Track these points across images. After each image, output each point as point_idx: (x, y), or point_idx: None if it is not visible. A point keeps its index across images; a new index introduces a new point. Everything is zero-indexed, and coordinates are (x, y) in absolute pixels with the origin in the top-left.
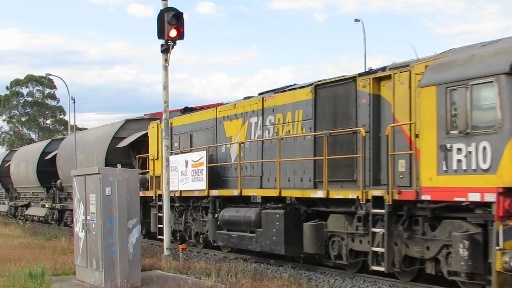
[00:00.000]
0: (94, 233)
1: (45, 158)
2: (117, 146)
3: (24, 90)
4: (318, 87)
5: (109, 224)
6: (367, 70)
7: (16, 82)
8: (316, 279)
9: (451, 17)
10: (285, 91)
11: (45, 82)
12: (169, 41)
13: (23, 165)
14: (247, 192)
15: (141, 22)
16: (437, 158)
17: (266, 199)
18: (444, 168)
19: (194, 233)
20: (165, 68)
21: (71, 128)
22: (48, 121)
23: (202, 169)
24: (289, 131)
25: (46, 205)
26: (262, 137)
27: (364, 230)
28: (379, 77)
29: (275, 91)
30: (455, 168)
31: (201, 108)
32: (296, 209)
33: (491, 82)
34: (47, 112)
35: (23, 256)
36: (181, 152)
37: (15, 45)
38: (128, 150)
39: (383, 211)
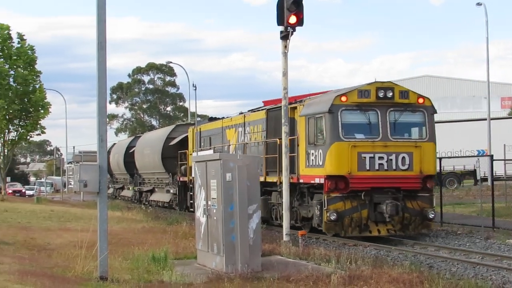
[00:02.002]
0: (215, 218)
1: (169, 144)
2: (169, 144)
3: (145, 78)
4: (268, 110)
5: (229, 209)
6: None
7: (138, 70)
8: (438, 267)
9: None
10: (254, 111)
11: (166, 69)
12: (288, 28)
13: (148, 150)
14: None
15: (255, 10)
16: (305, 158)
17: None
18: (307, 164)
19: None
20: (285, 54)
21: (191, 115)
22: (169, 108)
23: None
24: (256, 138)
25: (171, 191)
26: (244, 141)
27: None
28: (293, 107)
29: (253, 110)
30: (311, 164)
31: (222, 118)
32: None
33: (322, 116)
34: (167, 99)
35: (146, 240)
36: (200, 150)
37: (136, 34)
38: (177, 147)
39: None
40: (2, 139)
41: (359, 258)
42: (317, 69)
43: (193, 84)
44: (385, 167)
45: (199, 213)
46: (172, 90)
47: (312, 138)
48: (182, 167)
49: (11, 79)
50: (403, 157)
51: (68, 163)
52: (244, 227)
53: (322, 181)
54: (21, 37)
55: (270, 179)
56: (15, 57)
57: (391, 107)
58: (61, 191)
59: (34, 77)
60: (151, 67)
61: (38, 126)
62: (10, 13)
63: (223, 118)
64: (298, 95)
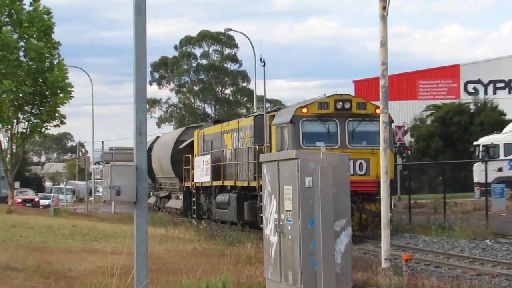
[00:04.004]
0: (290, 237)
1: (179, 148)
2: (178, 148)
3: (197, 51)
4: (255, 117)
5: (309, 225)
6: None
7: (187, 41)
8: None
9: None
10: (246, 117)
11: (224, 40)
12: None
13: (162, 153)
14: (226, 183)
15: None
16: None
17: (237, 187)
18: None
19: (205, 210)
20: (383, 18)
21: (258, 100)
22: (228, 91)
23: (208, 167)
24: (246, 143)
25: (180, 197)
26: (237, 147)
27: None
28: (272, 115)
29: (245, 116)
30: None
31: (227, 120)
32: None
33: (285, 126)
34: (226, 79)
35: (198, 266)
36: (201, 155)
37: None
38: (186, 151)
39: None
40: (9, 131)
41: None
42: (425, 38)
43: (260, 59)
44: None
45: (269, 230)
46: (232, 66)
47: (279, 146)
48: (186, 172)
49: (21, 53)
50: (361, 163)
51: (95, 164)
52: (329, 249)
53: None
54: None
55: (254, 184)
56: (26, 24)
57: (349, 117)
58: (85, 201)
59: (51, 50)
60: (205, 37)
61: (57, 114)
62: None
63: (222, 122)
64: (402, 73)
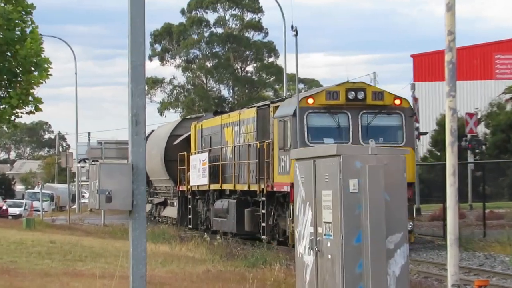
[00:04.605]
0: (329, 256)
1: (173, 144)
2: (173, 144)
3: (210, 16)
4: (258, 108)
5: (355, 241)
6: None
7: (197, 3)
8: None
9: None
10: (249, 108)
11: (245, 2)
12: None
13: (154, 150)
14: (224, 186)
15: None
16: (278, 164)
17: (236, 191)
18: (280, 170)
19: (203, 219)
20: None
21: (289, 79)
22: (250, 68)
23: (205, 168)
24: (248, 139)
25: (175, 203)
26: (239, 143)
27: None
28: (276, 105)
29: (248, 107)
30: (282, 171)
31: (221, 113)
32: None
33: (288, 119)
34: (248, 53)
35: None
36: (198, 153)
37: None
38: (183, 146)
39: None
40: None
41: None
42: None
43: (292, 27)
44: None
45: (302, 247)
46: (255, 36)
47: (281, 142)
48: (181, 174)
49: None
50: None
51: (79, 162)
52: (380, 272)
53: (289, 189)
54: None
55: (255, 187)
56: None
57: (363, 109)
58: (67, 209)
59: (23, 15)
60: None
61: (30, 98)
62: None
63: (222, 113)
64: (474, 45)
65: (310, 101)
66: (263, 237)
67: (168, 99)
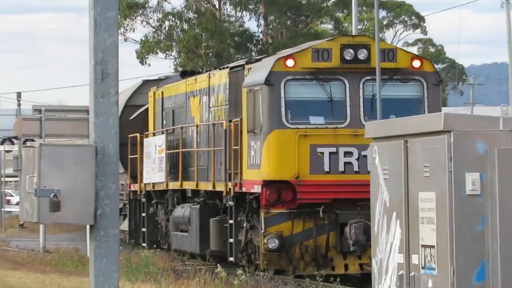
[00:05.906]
0: None
1: (130, 119)
2: (129, 119)
3: None
4: (231, 70)
5: (475, 280)
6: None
7: None
8: None
9: None
10: (221, 68)
11: None
12: None
13: None
14: (185, 185)
15: None
16: (247, 153)
17: (200, 192)
18: (249, 162)
19: (163, 233)
20: None
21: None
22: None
23: (162, 158)
24: (219, 116)
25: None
26: (208, 121)
27: None
28: (249, 67)
29: (220, 68)
30: (251, 163)
31: (200, 72)
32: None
33: (259, 90)
34: None
35: None
36: (157, 134)
37: None
38: (145, 124)
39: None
40: None
41: None
42: None
43: None
44: (355, 168)
45: (387, 284)
46: None
47: (251, 122)
48: (132, 166)
49: None
50: None
51: (2, 142)
52: None
53: (260, 189)
54: None
55: (220, 186)
56: None
57: (366, 74)
58: None
59: None
60: None
61: None
62: None
63: (193, 74)
64: None
65: (290, 63)
66: (231, 258)
67: (154, 36)
